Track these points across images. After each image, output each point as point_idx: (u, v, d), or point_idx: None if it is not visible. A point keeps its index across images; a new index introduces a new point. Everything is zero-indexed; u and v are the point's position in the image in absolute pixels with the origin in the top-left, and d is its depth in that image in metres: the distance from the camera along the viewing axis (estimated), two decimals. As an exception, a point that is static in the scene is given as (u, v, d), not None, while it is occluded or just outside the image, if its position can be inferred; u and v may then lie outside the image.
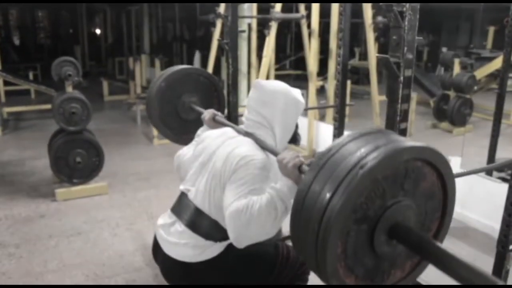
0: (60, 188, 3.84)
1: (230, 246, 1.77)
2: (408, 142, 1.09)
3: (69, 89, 3.91)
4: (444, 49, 8.81)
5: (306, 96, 6.18)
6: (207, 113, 2.16)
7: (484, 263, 2.60)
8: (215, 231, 1.76)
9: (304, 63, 5.55)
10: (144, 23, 10.47)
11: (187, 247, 1.77)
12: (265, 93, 1.85)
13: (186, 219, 1.81)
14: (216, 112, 2.17)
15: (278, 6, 5.06)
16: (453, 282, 0.98)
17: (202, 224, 1.78)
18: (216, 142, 1.87)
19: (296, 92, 1.88)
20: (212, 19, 5.86)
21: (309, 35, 5.17)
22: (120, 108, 7.85)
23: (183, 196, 1.89)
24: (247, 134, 1.84)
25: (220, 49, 2.65)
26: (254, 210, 1.54)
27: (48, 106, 4.43)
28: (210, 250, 1.77)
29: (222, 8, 5.07)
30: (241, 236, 1.59)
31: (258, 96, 1.87)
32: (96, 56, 12.78)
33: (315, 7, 4.95)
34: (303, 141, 5.20)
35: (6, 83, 7.47)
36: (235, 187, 1.65)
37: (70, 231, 3.27)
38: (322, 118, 5.64)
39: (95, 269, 2.77)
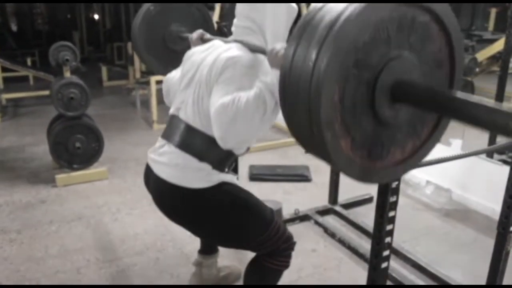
0: (60, 174, 3.84)
1: (227, 186, 1.73)
2: None
3: (67, 74, 3.88)
4: (445, 32, 8.71)
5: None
6: (195, 34, 2.04)
7: (485, 245, 2.61)
8: (209, 149, 1.68)
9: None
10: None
11: (177, 168, 1.71)
12: None
13: (177, 140, 1.74)
14: (204, 32, 2.05)
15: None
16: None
17: (194, 142, 1.70)
18: (203, 54, 1.79)
19: None
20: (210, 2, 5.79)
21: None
22: (119, 93, 7.81)
23: (172, 118, 1.82)
24: (236, 41, 1.75)
25: (219, 33, 2.62)
26: (241, 104, 1.48)
27: (47, 92, 4.41)
28: (205, 178, 1.69)
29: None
30: (228, 133, 1.53)
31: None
32: (95, 42, 12.67)
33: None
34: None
35: (4, 69, 7.42)
36: (222, 88, 1.58)
37: (70, 216, 3.28)
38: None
39: (96, 254, 2.78)
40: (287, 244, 1.88)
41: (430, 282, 2.50)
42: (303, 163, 4.26)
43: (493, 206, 3.12)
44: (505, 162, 3.78)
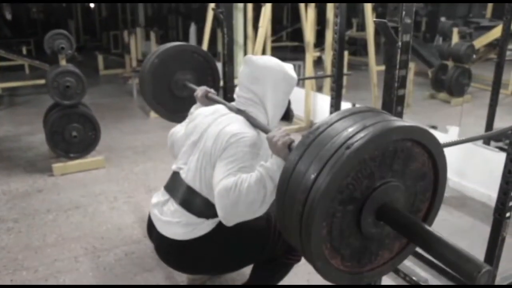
0: (57, 163, 3.83)
1: (221, 222, 1.79)
2: (397, 122, 1.06)
3: (63, 62, 3.86)
4: (442, 19, 8.69)
5: (303, 67, 6.13)
6: (199, 90, 2.14)
7: (481, 231, 2.62)
8: (207, 209, 1.76)
9: (301, 35, 5.48)
10: (139, -5, 10.27)
11: (179, 225, 1.79)
12: (256, 69, 1.81)
13: (179, 198, 1.82)
14: (208, 89, 2.14)
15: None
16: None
17: (195, 202, 1.79)
18: (207, 120, 1.85)
19: (288, 67, 1.84)
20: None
21: (306, 5, 5.08)
22: (116, 82, 7.78)
23: (175, 174, 1.90)
24: (238, 111, 1.82)
25: (216, 20, 2.60)
26: (243, 188, 1.53)
27: (43, 81, 4.38)
28: (202, 227, 1.78)
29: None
30: (230, 215, 1.58)
31: (248, 72, 1.83)
32: (91, 30, 12.60)
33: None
34: (300, 112, 5.17)
35: (-1, 58, 7.38)
36: (225, 165, 1.64)
37: (68, 205, 3.28)
38: (319, 89, 5.60)
39: (93, 242, 2.78)
40: None
41: (427, 269, 2.52)
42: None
43: (490, 193, 3.13)
44: (501, 149, 3.78)
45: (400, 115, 1.53)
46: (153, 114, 5.55)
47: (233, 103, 1.91)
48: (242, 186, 1.54)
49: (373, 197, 1.07)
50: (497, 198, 2.01)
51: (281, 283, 2.07)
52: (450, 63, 6.34)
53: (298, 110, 5.18)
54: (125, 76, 7.74)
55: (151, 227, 1.95)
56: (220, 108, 1.91)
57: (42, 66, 5.22)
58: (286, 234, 1.16)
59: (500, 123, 3.95)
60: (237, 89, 1.91)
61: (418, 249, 2.56)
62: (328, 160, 0.98)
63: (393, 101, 1.50)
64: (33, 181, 3.69)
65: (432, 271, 2.49)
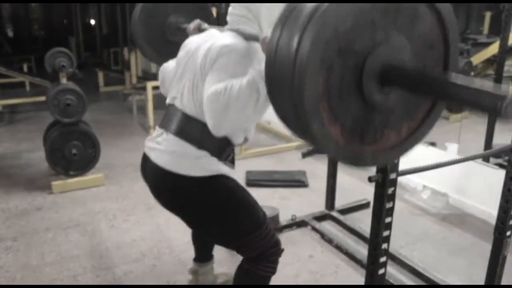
0: (56, 181, 3.82)
1: (226, 180, 1.73)
2: None
3: (64, 80, 3.88)
4: (440, 36, 8.73)
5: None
6: (192, 24, 2.03)
7: (482, 249, 2.61)
8: (206, 137, 1.66)
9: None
10: (139, 12, 10.36)
11: (175, 155, 1.70)
12: None
13: (174, 128, 1.73)
14: (202, 22, 2.04)
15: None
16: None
17: (191, 130, 1.70)
18: (198, 43, 1.78)
19: None
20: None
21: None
22: (116, 99, 7.80)
23: (169, 107, 1.82)
24: (231, 30, 1.75)
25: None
26: (234, 91, 1.47)
27: (44, 98, 4.39)
28: (203, 166, 1.68)
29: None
30: (219, 121, 1.52)
31: None
32: (91, 47, 12.68)
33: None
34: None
35: (0, 75, 7.40)
36: (216, 75, 1.58)
37: (67, 223, 3.26)
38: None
39: (92, 261, 2.76)
40: (275, 249, 1.84)
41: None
42: (300, 168, 4.26)
43: (490, 211, 3.12)
44: (501, 165, 3.78)
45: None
46: (153, 132, 5.55)
47: (225, 27, 1.84)
48: (232, 89, 1.48)
49: (376, 53, 0.97)
50: (497, 217, 2.00)
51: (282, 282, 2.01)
52: (448, 80, 6.36)
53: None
54: (125, 93, 7.77)
55: (145, 163, 1.86)
56: (211, 31, 1.85)
57: (42, 83, 5.24)
58: (275, 104, 1.02)
59: (499, 139, 3.95)
60: (229, 9, 1.82)
61: (418, 268, 2.56)
62: (321, 3, 0.88)
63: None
64: (32, 198, 3.69)
65: (433, 290, 2.48)
